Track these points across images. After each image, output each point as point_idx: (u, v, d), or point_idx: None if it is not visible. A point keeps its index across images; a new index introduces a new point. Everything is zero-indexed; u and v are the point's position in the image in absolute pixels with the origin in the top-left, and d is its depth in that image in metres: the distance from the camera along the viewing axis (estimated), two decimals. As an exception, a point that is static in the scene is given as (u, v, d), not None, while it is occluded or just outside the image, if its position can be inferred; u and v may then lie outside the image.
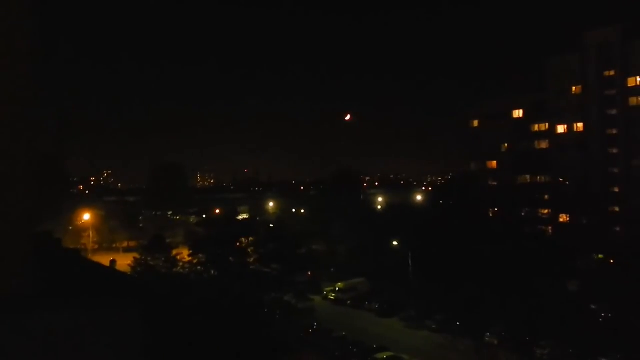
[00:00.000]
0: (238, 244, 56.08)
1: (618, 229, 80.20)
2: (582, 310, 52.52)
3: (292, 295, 52.21)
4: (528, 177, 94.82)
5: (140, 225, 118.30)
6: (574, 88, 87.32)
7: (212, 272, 54.31)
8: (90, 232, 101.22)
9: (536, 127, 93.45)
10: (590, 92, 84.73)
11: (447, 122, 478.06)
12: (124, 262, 69.65)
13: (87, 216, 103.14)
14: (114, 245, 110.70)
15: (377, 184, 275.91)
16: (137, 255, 66.16)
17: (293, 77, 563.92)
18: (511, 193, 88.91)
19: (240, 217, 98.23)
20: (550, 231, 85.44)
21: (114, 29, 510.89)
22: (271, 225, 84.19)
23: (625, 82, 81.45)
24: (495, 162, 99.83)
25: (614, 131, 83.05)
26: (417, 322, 60.76)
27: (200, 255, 56.71)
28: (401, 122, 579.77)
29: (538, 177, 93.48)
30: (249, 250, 56.57)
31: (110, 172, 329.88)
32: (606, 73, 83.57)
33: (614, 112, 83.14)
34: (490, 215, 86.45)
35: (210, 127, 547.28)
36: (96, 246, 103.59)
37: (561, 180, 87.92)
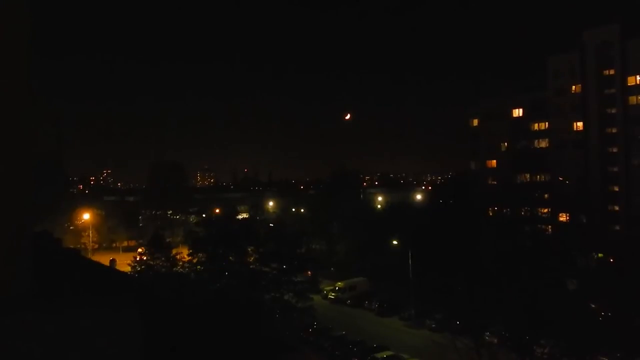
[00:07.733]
0: (237, 244, 56.02)
1: (618, 227, 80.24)
2: (581, 309, 52.51)
3: (292, 295, 52.26)
4: (528, 176, 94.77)
5: (140, 224, 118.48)
6: (573, 87, 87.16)
7: (212, 271, 54.31)
8: (90, 232, 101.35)
9: (536, 126, 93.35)
10: (590, 91, 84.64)
11: (447, 121, 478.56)
12: (124, 261, 69.74)
13: (86, 216, 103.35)
14: (114, 245, 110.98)
15: (376, 183, 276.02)
16: (136, 255, 66.25)
17: (293, 76, 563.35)
18: (511, 192, 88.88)
19: (239, 217, 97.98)
20: (549, 230, 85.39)
21: (114, 26, 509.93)
22: (271, 225, 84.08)
23: (625, 81, 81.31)
24: (495, 161, 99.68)
25: (614, 130, 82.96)
26: (417, 321, 60.89)
27: (200, 255, 56.70)
28: (401, 121, 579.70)
29: (538, 176, 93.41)
30: (249, 249, 56.53)
31: (109, 171, 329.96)
32: (606, 72, 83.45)
33: (613, 111, 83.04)
34: (490, 214, 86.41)
35: (211, 127, 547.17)
36: (96, 245, 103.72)
37: (561, 179, 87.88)
